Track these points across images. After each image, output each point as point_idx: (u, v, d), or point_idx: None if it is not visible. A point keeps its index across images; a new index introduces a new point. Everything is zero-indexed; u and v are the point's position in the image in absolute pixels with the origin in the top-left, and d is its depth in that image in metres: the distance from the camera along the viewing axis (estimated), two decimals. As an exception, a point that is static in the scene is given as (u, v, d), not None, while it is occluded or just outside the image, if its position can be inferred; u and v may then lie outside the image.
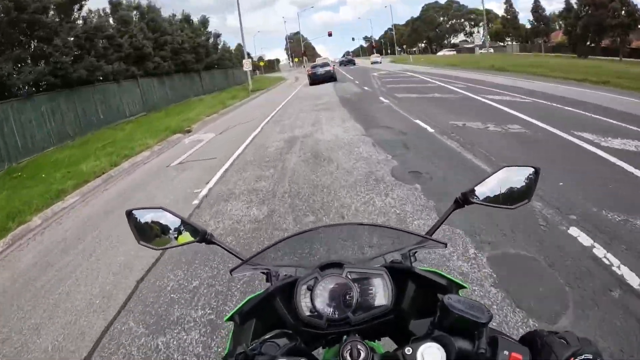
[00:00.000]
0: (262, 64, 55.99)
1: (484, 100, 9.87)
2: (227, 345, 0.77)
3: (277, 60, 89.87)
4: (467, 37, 73.29)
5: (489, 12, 72.59)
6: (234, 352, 0.64)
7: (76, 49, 12.37)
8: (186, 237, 0.92)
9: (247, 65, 22.48)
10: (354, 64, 48.24)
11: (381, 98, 12.17)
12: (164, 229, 0.92)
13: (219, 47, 27.16)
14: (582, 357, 0.54)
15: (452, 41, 74.69)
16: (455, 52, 61.80)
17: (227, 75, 28.44)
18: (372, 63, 46.50)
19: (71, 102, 11.94)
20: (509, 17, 55.40)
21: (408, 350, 0.58)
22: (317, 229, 0.91)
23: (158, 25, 18.56)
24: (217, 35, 26.88)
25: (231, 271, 0.85)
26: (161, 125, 11.92)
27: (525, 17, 66.91)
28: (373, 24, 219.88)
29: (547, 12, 47.08)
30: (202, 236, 0.91)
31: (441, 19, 73.98)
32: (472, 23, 70.70)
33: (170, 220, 0.92)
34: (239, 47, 62.15)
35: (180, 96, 19.57)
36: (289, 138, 7.80)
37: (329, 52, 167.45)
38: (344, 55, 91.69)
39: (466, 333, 0.58)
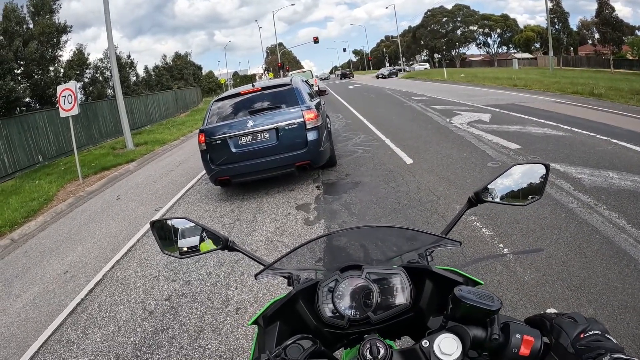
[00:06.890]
0: (222, 81, 41.89)
1: None
2: (251, 350, 0.77)
3: (253, 76, 76.75)
4: (479, 47, 60.69)
5: (506, 17, 60.09)
6: (258, 359, 0.64)
7: None
8: (209, 244, 0.94)
9: (64, 105, 8.09)
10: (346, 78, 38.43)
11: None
12: (187, 238, 0.94)
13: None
14: (591, 332, 0.55)
15: (462, 51, 61.94)
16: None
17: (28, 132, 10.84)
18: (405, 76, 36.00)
19: None
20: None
21: (425, 342, 0.60)
22: (335, 232, 0.92)
23: None
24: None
25: (255, 276, 0.87)
26: None
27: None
28: (359, 38, 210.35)
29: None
30: (225, 244, 0.93)
31: (448, 26, 61.07)
32: (487, 30, 57.99)
33: (193, 229, 0.94)
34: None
35: None
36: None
37: (316, 68, 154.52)
38: (332, 71, 78.23)
39: (479, 321, 0.59)
